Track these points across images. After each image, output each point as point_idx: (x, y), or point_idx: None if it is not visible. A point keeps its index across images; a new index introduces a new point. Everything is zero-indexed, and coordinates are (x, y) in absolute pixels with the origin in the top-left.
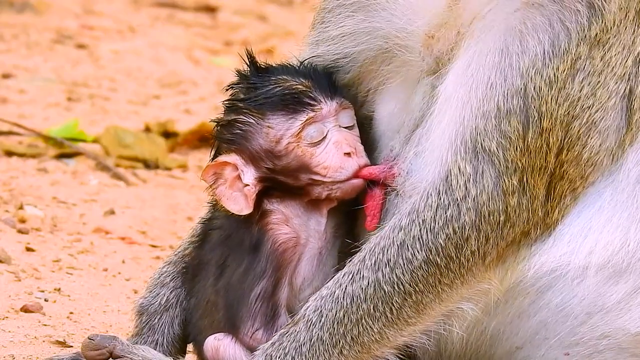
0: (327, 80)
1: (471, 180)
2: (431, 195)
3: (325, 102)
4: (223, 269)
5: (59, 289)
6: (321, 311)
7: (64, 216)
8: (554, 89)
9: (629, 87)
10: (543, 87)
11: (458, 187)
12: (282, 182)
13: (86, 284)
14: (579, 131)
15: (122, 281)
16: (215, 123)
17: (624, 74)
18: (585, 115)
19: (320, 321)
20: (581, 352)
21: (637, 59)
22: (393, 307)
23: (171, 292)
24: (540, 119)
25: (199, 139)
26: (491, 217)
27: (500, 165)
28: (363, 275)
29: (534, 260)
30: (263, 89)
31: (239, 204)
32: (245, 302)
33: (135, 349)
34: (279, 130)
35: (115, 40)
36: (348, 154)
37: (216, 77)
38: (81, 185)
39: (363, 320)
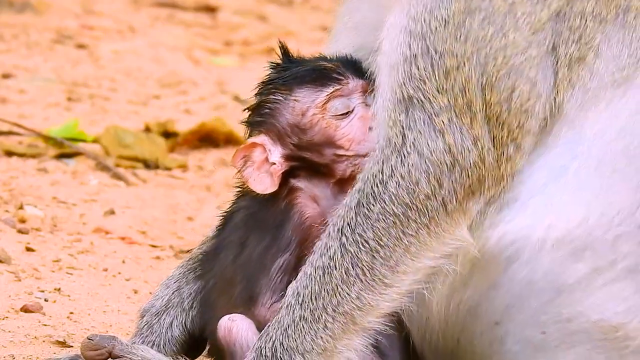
0: (355, 63)
1: (405, 126)
2: (376, 153)
3: (353, 78)
4: (244, 247)
5: (59, 289)
6: (298, 291)
7: (64, 216)
8: (450, 27)
9: (552, 43)
10: (438, 26)
11: (395, 136)
12: (308, 159)
13: (86, 284)
14: (498, 72)
15: (122, 281)
16: (247, 109)
17: (543, 27)
18: (500, 56)
19: (298, 301)
20: (555, 332)
21: (555, 15)
22: (364, 268)
23: (173, 293)
24: (442, 57)
25: (199, 139)
26: (434, 157)
27: (425, 107)
28: (329, 246)
29: (499, 229)
30: (292, 69)
31: (264, 184)
32: (266, 274)
33: (134, 349)
34: (305, 103)
35: (115, 40)
36: (372, 128)
37: (216, 77)
38: (81, 185)
39: (339, 289)
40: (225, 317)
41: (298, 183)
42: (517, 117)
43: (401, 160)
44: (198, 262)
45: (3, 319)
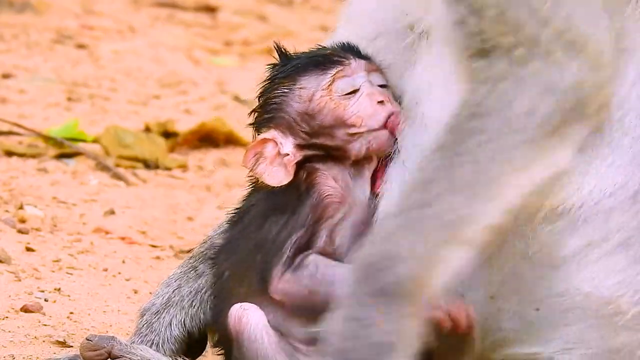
0: (354, 46)
1: (487, 68)
2: (462, 94)
3: (355, 59)
4: (262, 234)
5: (59, 289)
6: (392, 210)
7: (64, 216)
8: None
9: None
10: None
11: (480, 79)
12: (321, 144)
13: (86, 284)
14: (543, 6)
15: (122, 281)
16: (252, 112)
17: None
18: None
19: (394, 214)
20: (548, 309)
21: None
22: (463, 182)
23: (173, 292)
24: (483, 10)
25: (199, 139)
26: (526, 80)
27: (498, 51)
28: (425, 162)
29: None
30: (293, 61)
31: (279, 176)
32: (279, 250)
33: (133, 349)
34: (311, 88)
35: (115, 40)
36: (381, 102)
37: (216, 77)
38: (81, 185)
39: (438, 201)
40: (237, 305)
41: (316, 166)
42: (591, 50)
43: (492, 88)
44: (210, 255)
45: (3, 319)
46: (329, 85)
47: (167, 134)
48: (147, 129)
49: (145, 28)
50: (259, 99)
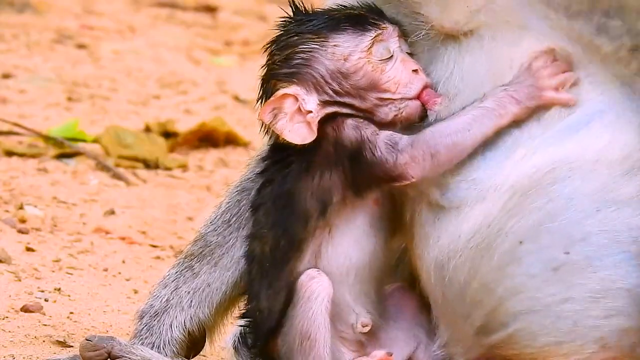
0: (380, 10)
1: None
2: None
3: (387, 24)
4: (324, 185)
5: (59, 289)
6: None
7: (64, 216)
8: None
9: None
10: None
11: None
12: (348, 104)
13: (86, 284)
14: None
15: (122, 281)
16: (266, 66)
17: None
18: None
19: None
20: (582, 251)
21: None
22: None
23: (172, 293)
24: (623, 8)
25: (199, 139)
26: None
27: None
28: None
29: (546, 152)
30: (319, 17)
31: (302, 134)
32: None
33: (133, 349)
34: (347, 48)
35: (115, 40)
36: (415, 71)
37: (216, 77)
38: (81, 185)
39: None
40: (313, 269)
41: (340, 121)
42: None
43: None
44: (250, 234)
45: (3, 319)
46: (369, 48)
47: (167, 134)
48: (147, 129)
49: (145, 28)
50: (277, 52)
